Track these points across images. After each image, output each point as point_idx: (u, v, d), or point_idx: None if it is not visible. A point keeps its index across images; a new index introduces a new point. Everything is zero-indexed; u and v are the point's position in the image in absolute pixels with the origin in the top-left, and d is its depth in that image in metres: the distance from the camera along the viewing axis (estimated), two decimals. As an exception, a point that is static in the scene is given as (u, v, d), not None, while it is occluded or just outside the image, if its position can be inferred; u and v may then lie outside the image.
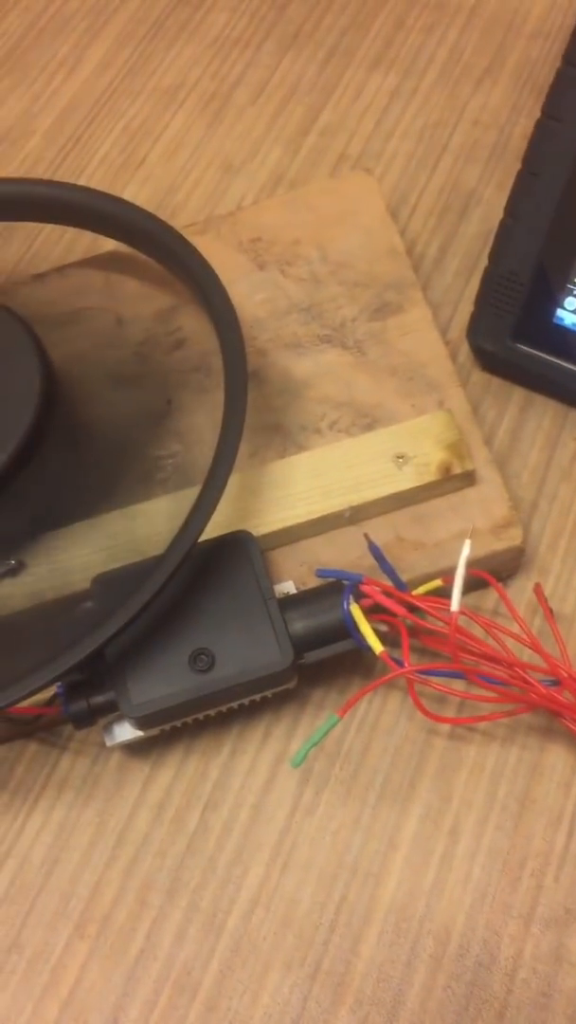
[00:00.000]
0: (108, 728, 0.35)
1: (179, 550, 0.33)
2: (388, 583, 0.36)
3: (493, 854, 0.36)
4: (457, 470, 0.39)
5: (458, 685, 0.36)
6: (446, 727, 0.38)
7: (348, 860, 0.36)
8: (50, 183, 0.44)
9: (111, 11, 0.57)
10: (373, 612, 0.35)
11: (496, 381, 0.45)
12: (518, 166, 0.41)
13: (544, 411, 0.44)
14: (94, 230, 0.44)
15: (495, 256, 0.43)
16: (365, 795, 0.37)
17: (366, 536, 0.37)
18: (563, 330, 0.42)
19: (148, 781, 0.38)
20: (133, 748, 0.38)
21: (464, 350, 0.45)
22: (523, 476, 0.43)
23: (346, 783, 0.37)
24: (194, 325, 0.43)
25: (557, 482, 0.42)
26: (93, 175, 0.52)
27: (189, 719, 0.35)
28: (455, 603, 0.33)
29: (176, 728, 0.36)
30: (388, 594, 0.35)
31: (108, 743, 0.35)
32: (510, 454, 0.43)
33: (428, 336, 0.43)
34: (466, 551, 0.34)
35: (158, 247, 0.41)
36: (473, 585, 0.39)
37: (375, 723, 0.38)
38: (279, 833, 0.37)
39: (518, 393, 0.44)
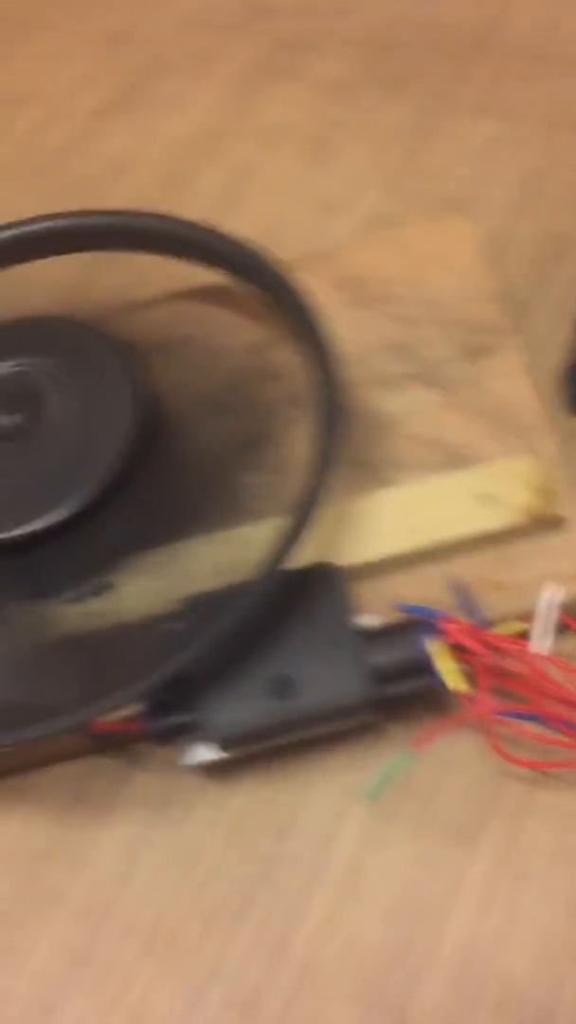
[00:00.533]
0: (186, 748, 0.36)
1: (266, 577, 0.34)
2: (470, 622, 0.36)
3: (561, 901, 0.35)
4: (543, 514, 0.39)
5: (535, 728, 0.36)
6: (519, 770, 0.38)
7: (415, 897, 0.36)
8: (154, 215, 0.46)
9: (218, 53, 0.59)
10: (453, 650, 0.36)
11: (585, 428, 0.45)
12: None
13: None
14: (196, 262, 0.45)
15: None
16: (434, 833, 0.37)
17: (450, 575, 0.37)
18: None
19: (222, 804, 0.38)
20: (208, 770, 0.39)
21: (556, 396, 0.45)
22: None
23: (416, 819, 0.37)
24: (289, 358, 0.44)
25: None
26: (194, 211, 0.53)
27: (268, 744, 0.36)
28: (535, 644, 0.33)
29: (253, 753, 0.36)
30: (469, 633, 0.36)
31: (185, 763, 0.36)
32: (597, 502, 0.43)
33: (519, 380, 0.43)
34: (550, 592, 0.34)
35: (260, 280, 0.42)
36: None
37: (448, 760, 0.38)
38: (347, 865, 0.37)
39: (610, 442, 0.44)
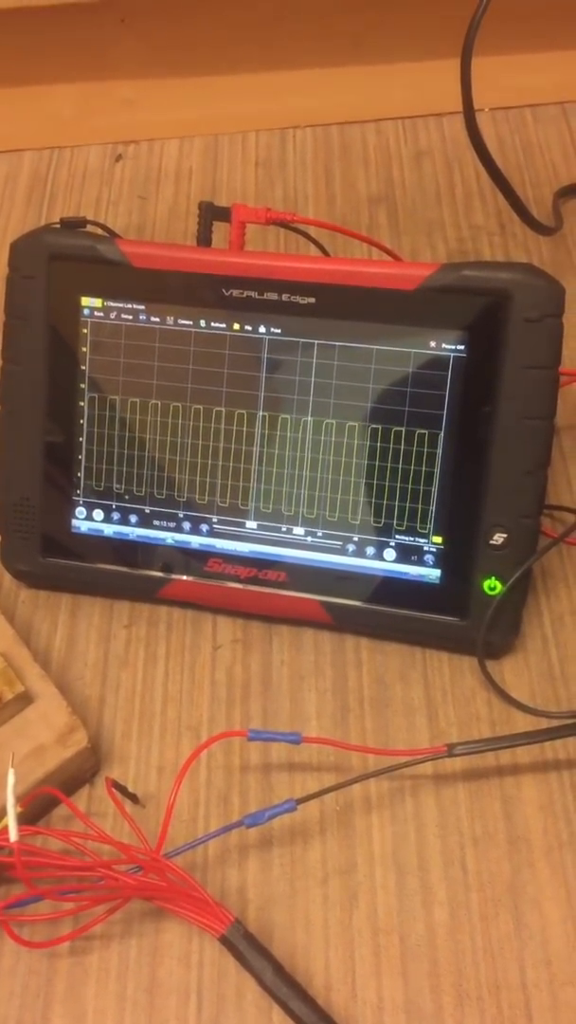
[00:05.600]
0: None
1: None
2: (-39, 830, 0.37)
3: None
4: (8, 696, 0.41)
5: (44, 909, 0.37)
6: (61, 947, 0.38)
7: None
8: None
9: None
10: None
11: (43, 594, 0.48)
12: None
13: (92, 609, 0.47)
14: None
15: (4, 486, 0.46)
16: (1, 1047, 0.37)
17: None
18: (83, 536, 0.46)
19: None
20: None
21: (7, 576, 0.48)
22: (87, 676, 0.45)
23: (-21, 1043, 0.37)
24: None
25: (117, 671, 0.45)
26: None
27: None
28: (13, 833, 0.35)
29: None
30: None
31: None
32: (70, 658, 0.46)
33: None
34: (11, 780, 0.35)
35: None
36: (51, 801, 0.40)
37: (-4, 968, 0.38)
38: None
39: (66, 599, 0.48)
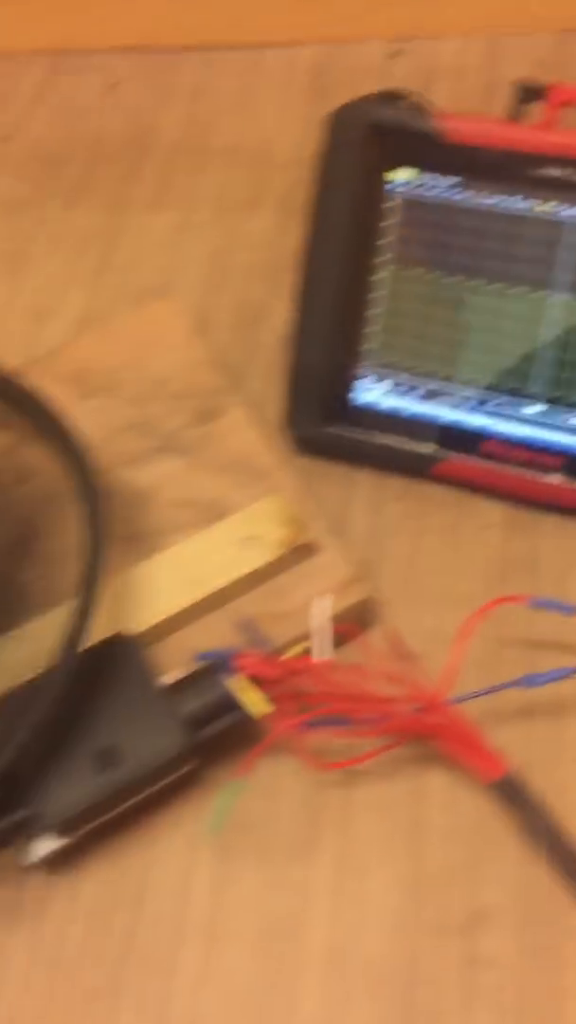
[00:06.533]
0: (27, 845, 0.37)
1: (65, 661, 0.35)
2: (260, 653, 0.40)
3: (398, 880, 0.39)
4: (298, 542, 0.43)
5: (338, 730, 0.39)
6: (335, 776, 0.41)
7: (274, 921, 0.38)
8: None
9: None
10: (253, 682, 0.39)
11: (318, 462, 0.50)
12: (291, 277, 0.46)
13: (365, 482, 0.49)
14: None
15: (297, 351, 0.48)
16: (276, 856, 0.40)
17: (233, 616, 0.41)
18: (362, 408, 0.48)
19: (73, 893, 0.39)
20: (52, 864, 0.39)
21: (285, 440, 0.50)
22: (357, 542, 0.47)
23: (256, 849, 0.40)
24: (37, 457, 0.46)
25: (388, 540, 0.47)
26: None
27: (107, 817, 0.37)
28: (316, 654, 0.37)
29: (93, 831, 0.38)
30: (261, 663, 0.39)
31: (30, 861, 0.37)
32: (342, 525, 0.48)
33: (250, 433, 0.48)
34: (325, 603, 0.38)
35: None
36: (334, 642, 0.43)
37: (273, 786, 0.41)
38: (205, 912, 0.39)
39: (338, 470, 0.50)
